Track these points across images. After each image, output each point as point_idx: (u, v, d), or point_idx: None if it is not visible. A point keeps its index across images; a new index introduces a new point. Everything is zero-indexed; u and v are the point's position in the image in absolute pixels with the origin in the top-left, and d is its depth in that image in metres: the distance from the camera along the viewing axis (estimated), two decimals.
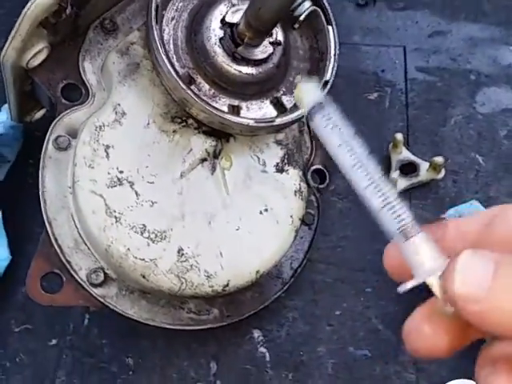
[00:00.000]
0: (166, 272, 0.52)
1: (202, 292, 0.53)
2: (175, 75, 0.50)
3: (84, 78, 0.56)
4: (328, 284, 0.65)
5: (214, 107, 0.51)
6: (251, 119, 0.53)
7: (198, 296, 0.54)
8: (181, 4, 0.55)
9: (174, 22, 0.54)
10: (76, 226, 0.54)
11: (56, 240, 0.53)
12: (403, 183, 0.69)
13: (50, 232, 0.53)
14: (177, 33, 0.54)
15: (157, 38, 0.50)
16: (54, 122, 0.55)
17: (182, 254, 0.53)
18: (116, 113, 0.53)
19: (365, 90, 0.79)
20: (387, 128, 0.76)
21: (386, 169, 0.72)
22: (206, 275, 0.53)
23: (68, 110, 0.55)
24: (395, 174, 0.67)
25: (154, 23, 0.50)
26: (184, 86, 0.50)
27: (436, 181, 0.70)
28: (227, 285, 0.54)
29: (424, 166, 0.70)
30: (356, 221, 0.69)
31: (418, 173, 0.69)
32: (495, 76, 0.79)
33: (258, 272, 0.55)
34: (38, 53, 0.53)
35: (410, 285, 0.27)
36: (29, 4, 0.48)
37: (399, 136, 0.69)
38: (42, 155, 0.54)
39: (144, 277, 0.52)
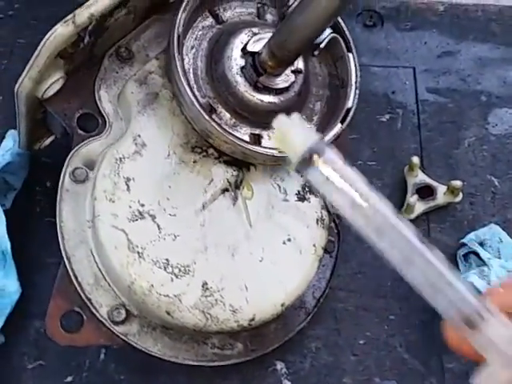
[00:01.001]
0: (191, 308, 0.50)
1: (228, 327, 0.52)
2: (198, 106, 0.48)
3: (100, 107, 0.55)
4: (350, 312, 0.64)
5: (237, 138, 0.50)
6: (275, 149, 0.52)
7: (224, 331, 0.52)
8: (200, 33, 0.54)
9: (193, 50, 0.53)
10: (96, 262, 0.52)
11: (75, 277, 0.51)
12: (421, 207, 0.68)
13: (68, 268, 0.51)
14: (197, 62, 0.53)
15: (179, 69, 0.48)
16: (71, 153, 0.53)
17: (207, 289, 0.51)
18: (136, 144, 0.52)
19: (376, 112, 0.78)
20: (401, 150, 0.75)
21: (402, 192, 0.71)
22: (231, 310, 0.52)
23: (85, 141, 0.54)
24: (413, 198, 0.66)
25: (176, 54, 0.48)
26: (207, 118, 0.49)
27: (453, 204, 0.70)
28: (253, 319, 0.52)
29: (441, 189, 0.69)
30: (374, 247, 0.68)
31: (436, 196, 0.69)
32: (506, 97, 0.79)
33: (283, 305, 0.54)
34: (54, 83, 0.51)
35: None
36: (48, 35, 0.46)
37: (416, 159, 0.69)
38: (59, 188, 0.52)
39: (169, 313, 0.50)
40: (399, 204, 0.70)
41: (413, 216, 0.68)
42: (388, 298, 0.65)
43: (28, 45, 0.77)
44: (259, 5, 0.58)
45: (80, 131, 0.54)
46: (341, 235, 0.63)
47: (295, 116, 0.30)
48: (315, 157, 0.26)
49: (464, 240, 0.65)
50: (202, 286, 0.51)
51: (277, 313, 0.54)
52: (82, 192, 0.53)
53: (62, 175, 0.53)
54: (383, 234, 0.25)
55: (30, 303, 0.63)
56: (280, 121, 0.27)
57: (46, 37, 0.46)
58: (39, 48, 0.46)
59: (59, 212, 0.52)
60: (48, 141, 0.67)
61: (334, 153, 0.26)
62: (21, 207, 0.67)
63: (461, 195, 0.68)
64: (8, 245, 0.62)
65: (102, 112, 0.55)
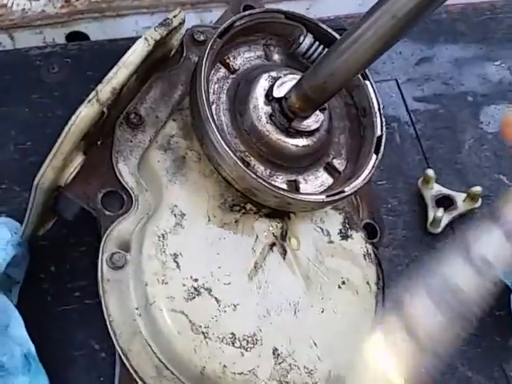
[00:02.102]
0: (268, 380, 0.47)
1: None
2: (243, 166, 0.45)
3: (122, 181, 0.50)
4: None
5: (286, 190, 0.47)
6: (320, 194, 0.50)
7: None
8: (216, 86, 0.51)
9: (214, 106, 0.50)
10: (154, 352, 0.47)
11: (136, 372, 0.46)
12: (446, 219, 0.68)
13: (127, 365, 0.46)
14: (220, 117, 0.50)
15: (215, 130, 0.45)
16: (103, 239, 0.48)
17: (278, 355, 0.48)
18: (175, 215, 0.48)
19: None
20: (406, 163, 0.75)
21: (420, 207, 0.70)
22: (306, 372, 0.49)
23: (114, 222, 0.49)
24: (440, 211, 0.66)
25: (209, 115, 0.45)
26: (254, 176, 0.45)
27: (473, 210, 0.70)
28: (329, 376, 0.50)
29: (459, 197, 0.69)
30: (409, 266, 0.67)
31: (456, 205, 0.68)
32: (491, 93, 0.81)
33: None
34: (76, 168, 0.47)
35: None
36: (73, 119, 0.42)
37: (431, 172, 0.68)
38: (99, 280, 0.47)
39: None
40: (421, 219, 0.69)
41: (440, 229, 0.68)
42: None
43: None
44: (265, 46, 0.55)
45: (107, 212, 0.49)
46: (382, 265, 0.61)
47: None
48: None
49: None
50: (273, 353, 0.48)
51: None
52: (123, 279, 0.48)
53: (99, 265, 0.48)
54: None
55: None
56: None
57: (71, 121, 0.41)
58: (63, 134, 0.42)
59: (105, 306, 0.47)
60: (51, 223, 0.61)
61: None
62: (29, 300, 0.61)
63: (480, 200, 0.69)
64: (32, 347, 0.56)
65: (126, 186, 0.50)
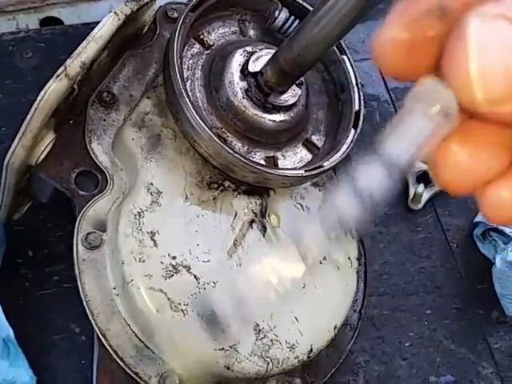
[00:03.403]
0: (249, 355, 0.47)
1: (289, 366, 0.48)
2: (219, 141, 0.45)
3: (96, 161, 0.49)
4: (387, 316, 0.62)
5: (263, 165, 0.47)
6: (300, 169, 0.49)
7: (285, 371, 0.49)
8: (191, 62, 0.50)
9: (189, 82, 0.49)
10: (133, 331, 0.46)
11: (115, 352, 0.46)
12: (426, 195, 0.68)
13: (106, 345, 0.45)
14: (195, 93, 0.49)
15: (189, 106, 0.44)
16: (78, 219, 0.47)
17: (259, 331, 0.48)
18: (151, 193, 0.47)
19: None
20: None
21: (403, 184, 0.70)
22: (288, 347, 0.48)
23: (89, 202, 0.48)
24: (420, 187, 0.66)
25: (182, 90, 0.44)
26: (231, 151, 0.45)
27: None
28: (311, 350, 0.49)
29: None
30: (391, 243, 0.67)
31: None
32: None
33: (335, 327, 0.51)
34: (47, 146, 0.46)
35: None
36: (41, 94, 0.41)
37: None
38: (74, 260, 0.47)
39: (228, 368, 0.46)
40: (403, 196, 0.69)
41: (421, 205, 0.68)
42: (419, 293, 0.64)
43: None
44: (240, 22, 0.54)
45: (81, 192, 0.48)
46: (363, 241, 0.61)
47: None
48: None
49: (478, 219, 0.66)
50: (255, 329, 0.48)
51: (331, 337, 0.51)
52: (99, 258, 0.47)
53: (74, 245, 0.47)
54: None
55: None
56: None
57: (40, 97, 0.40)
58: (32, 111, 0.41)
59: (81, 286, 0.46)
60: (25, 208, 0.60)
61: None
62: (7, 285, 0.60)
63: None
64: (10, 331, 0.55)
65: (100, 166, 0.49)
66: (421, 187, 0.66)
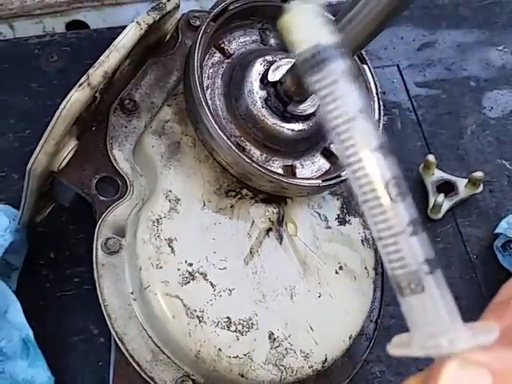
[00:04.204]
0: (264, 364, 0.47)
1: (303, 375, 0.48)
2: (237, 150, 0.45)
3: (117, 167, 0.50)
4: (404, 326, 0.61)
5: (281, 174, 0.47)
6: (317, 178, 0.49)
7: (299, 381, 0.49)
8: (211, 71, 0.51)
9: (209, 90, 0.50)
10: (149, 336, 0.47)
11: (132, 356, 0.46)
12: (446, 204, 0.67)
13: (123, 349, 0.46)
14: (215, 102, 0.50)
15: (208, 115, 0.45)
16: (98, 224, 0.48)
17: (274, 339, 0.48)
18: (170, 201, 0.48)
19: None
20: (407, 149, 0.74)
21: (421, 193, 0.70)
22: (302, 356, 0.48)
23: (109, 208, 0.49)
24: (440, 197, 0.65)
25: (202, 99, 0.45)
26: (249, 161, 0.45)
27: (474, 195, 0.69)
28: (325, 360, 0.49)
29: (461, 182, 0.68)
30: None
31: (457, 191, 0.68)
32: (493, 78, 0.80)
33: (350, 337, 0.51)
34: (69, 152, 0.47)
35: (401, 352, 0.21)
36: (63, 103, 0.41)
37: (431, 158, 0.68)
38: (93, 264, 0.47)
39: (242, 375, 0.46)
40: (422, 205, 0.69)
41: (440, 215, 0.67)
42: None
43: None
44: (261, 31, 0.55)
45: (102, 198, 0.49)
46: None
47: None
48: None
49: (498, 230, 0.65)
50: (269, 338, 0.48)
51: (346, 347, 0.51)
52: (118, 263, 0.48)
53: (93, 249, 0.48)
54: None
55: None
56: (294, 6, 0.22)
57: (62, 106, 0.41)
58: (54, 119, 0.42)
59: (100, 290, 0.47)
60: (48, 210, 0.61)
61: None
62: (28, 286, 0.61)
63: (482, 186, 0.68)
64: (30, 332, 0.56)
65: (120, 172, 0.50)
66: (441, 197, 0.65)
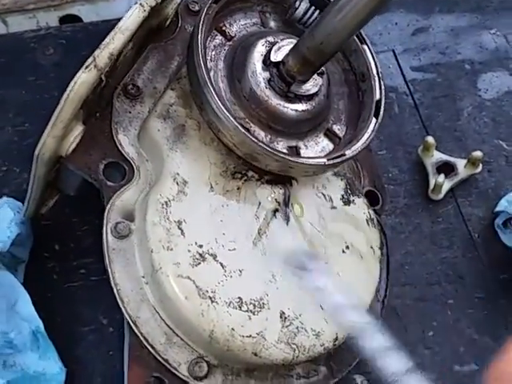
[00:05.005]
0: (276, 342, 0.47)
1: (315, 353, 0.49)
2: (243, 131, 0.45)
3: (123, 152, 0.50)
4: (410, 306, 0.62)
5: (287, 153, 0.47)
6: (322, 158, 0.49)
7: (311, 359, 0.49)
8: (213, 53, 0.51)
9: (212, 73, 0.50)
10: (162, 318, 0.47)
11: (146, 339, 0.46)
12: (447, 185, 0.68)
13: (137, 332, 0.46)
14: (218, 84, 0.50)
15: (215, 96, 0.45)
16: (107, 209, 0.48)
17: (285, 318, 0.48)
18: (177, 183, 0.48)
19: None
20: (405, 133, 0.75)
21: (421, 174, 0.70)
22: (314, 334, 0.49)
23: (117, 192, 0.49)
24: (441, 177, 0.66)
25: (207, 80, 0.45)
26: (255, 140, 0.45)
27: (474, 175, 0.70)
28: (336, 338, 0.50)
29: (460, 163, 0.69)
30: (412, 234, 0.67)
31: (457, 171, 0.68)
32: (487, 61, 0.81)
33: None
34: (76, 137, 0.47)
35: None
36: (71, 85, 0.41)
37: (430, 139, 0.68)
38: (104, 250, 0.47)
39: (256, 354, 0.46)
40: (423, 187, 0.69)
41: (441, 196, 0.68)
42: (441, 283, 0.64)
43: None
44: (260, 13, 0.55)
45: (109, 183, 0.49)
46: (384, 231, 0.62)
47: None
48: None
49: (498, 208, 0.66)
50: (281, 317, 0.48)
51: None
52: (128, 247, 0.48)
53: (103, 235, 0.48)
54: None
55: (78, 379, 0.57)
56: None
57: (69, 88, 0.41)
58: (62, 102, 0.42)
59: (112, 275, 0.47)
60: (52, 202, 0.61)
61: None
62: (35, 279, 0.61)
63: (481, 165, 0.69)
64: (40, 323, 0.56)
65: (127, 157, 0.50)
66: (441, 177, 0.66)
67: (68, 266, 0.63)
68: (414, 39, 0.83)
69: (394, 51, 0.81)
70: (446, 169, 0.69)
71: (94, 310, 0.60)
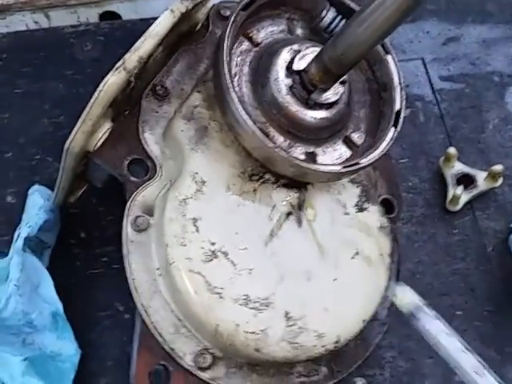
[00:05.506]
0: (279, 341, 0.49)
1: (316, 354, 0.50)
2: (261, 136, 0.47)
3: (148, 150, 0.53)
4: None
5: (302, 160, 0.49)
6: (337, 165, 0.51)
7: (312, 359, 0.51)
8: (239, 58, 0.53)
9: (237, 77, 0.52)
10: (172, 310, 0.50)
11: (155, 328, 0.49)
12: (465, 197, 0.68)
13: (147, 321, 0.49)
14: (242, 89, 0.52)
15: (236, 100, 0.47)
16: (129, 203, 0.51)
17: (290, 318, 0.50)
18: (196, 182, 0.50)
19: None
20: (428, 142, 0.76)
21: (441, 185, 0.71)
22: (316, 336, 0.50)
23: (139, 188, 0.52)
24: (459, 189, 0.66)
25: (230, 86, 0.47)
26: (271, 145, 0.47)
27: (494, 188, 0.70)
28: (338, 341, 0.51)
29: (480, 175, 0.69)
30: (426, 243, 0.68)
31: (477, 184, 0.69)
32: None
33: (364, 320, 0.53)
34: (104, 133, 0.49)
35: None
36: (101, 85, 0.44)
37: (452, 150, 0.69)
38: (123, 241, 0.50)
39: (258, 350, 0.48)
40: (441, 197, 0.70)
41: (459, 207, 0.68)
42: (451, 294, 0.64)
43: (26, 94, 0.74)
44: (288, 21, 0.57)
45: (132, 178, 0.52)
46: (398, 240, 0.63)
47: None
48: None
49: None
50: (285, 316, 0.50)
51: (359, 330, 0.53)
52: (146, 241, 0.51)
53: (123, 227, 0.50)
54: None
55: (91, 362, 0.60)
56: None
57: (99, 88, 0.44)
58: (92, 100, 0.44)
59: (129, 266, 0.50)
60: (80, 192, 0.64)
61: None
62: (59, 264, 0.64)
63: (501, 179, 0.69)
64: (60, 306, 0.59)
65: (150, 155, 0.53)
66: (459, 189, 0.66)
67: (91, 254, 0.66)
68: (444, 48, 0.83)
69: (423, 60, 0.82)
70: (466, 180, 0.69)
71: (112, 297, 0.63)
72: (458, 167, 0.70)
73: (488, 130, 0.76)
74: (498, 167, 0.67)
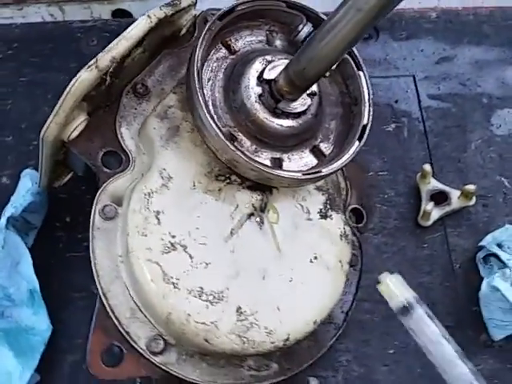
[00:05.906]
0: (228, 333, 0.52)
1: (264, 349, 0.53)
2: (224, 139, 0.50)
3: (123, 144, 0.56)
4: (377, 323, 0.65)
5: (263, 164, 0.52)
6: (298, 172, 0.53)
7: (260, 353, 0.53)
8: (215, 64, 0.56)
9: (210, 82, 0.55)
10: (131, 296, 0.53)
11: (113, 311, 0.52)
12: (437, 213, 0.70)
13: (105, 304, 0.52)
14: (214, 93, 0.55)
15: (202, 103, 0.50)
16: (99, 192, 0.54)
17: (241, 313, 0.53)
18: (162, 178, 0.53)
19: (382, 123, 0.80)
20: (410, 158, 0.77)
21: (416, 200, 0.73)
22: (266, 332, 0.53)
23: (111, 179, 0.55)
24: (429, 205, 0.68)
25: (198, 89, 0.50)
26: (233, 148, 0.50)
27: (467, 207, 0.71)
28: (287, 339, 0.54)
29: (455, 193, 0.71)
30: (395, 254, 0.70)
31: (450, 201, 0.70)
32: (506, 97, 0.81)
33: (315, 322, 0.55)
34: (78, 125, 0.53)
35: None
36: (73, 81, 0.48)
37: (427, 167, 0.70)
38: (90, 227, 0.54)
39: (207, 341, 0.51)
40: (415, 212, 0.72)
41: (429, 223, 0.70)
42: None
43: (30, 82, 0.78)
44: (268, 32, 0.59)
45: (105, 169, 0.55)
46: (362, 248, 0.65)
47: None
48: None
49: (482, 243, 0.67)
50: (237, 311, 0.53)
51: (309, 330, 0.55)
52: (112, 228, 0.54)
53: (92, 214, 0.54)
54: None
55: (60, 338, 0.64)
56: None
57: (71, 83, 0.47)
58: (64, 94, 0.48)
59: (92, 250, 0.53)
60: (67, 178, 0.68)
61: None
62: (43, 244, 0.68)
63: (474, 199, 0.70)
64: (36, 284, 0.63)
65: (125, 149, 0.56)
66: (430, 205, 0.68)
67: (74, 238, 0.69)
68: (436, 67, 0.84)
69: (414, 77, 0.83)
70: (440, 197, 0.71)
71: (89, 280, 0.65)
72: (434, 184, 0.71)
73: (470, 150, 0.77)
74: (471, 187, 0.68)
